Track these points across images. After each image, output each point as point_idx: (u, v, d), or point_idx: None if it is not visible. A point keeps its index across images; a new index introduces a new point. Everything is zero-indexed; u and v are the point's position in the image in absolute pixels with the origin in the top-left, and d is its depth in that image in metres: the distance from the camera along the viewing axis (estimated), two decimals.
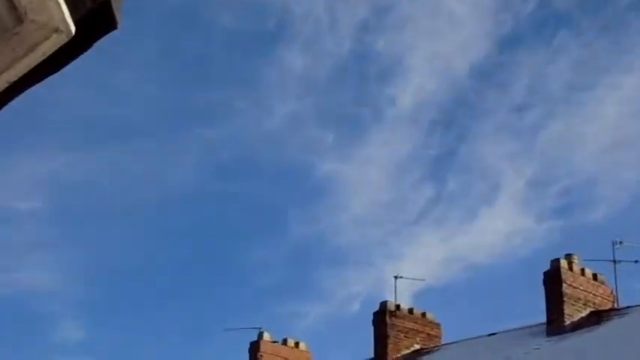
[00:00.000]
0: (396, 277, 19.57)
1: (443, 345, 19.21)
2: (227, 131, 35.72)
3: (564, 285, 16.77)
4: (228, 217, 36.16)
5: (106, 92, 34.19)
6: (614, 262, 17.79)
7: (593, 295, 17.19)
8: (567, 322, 16.57)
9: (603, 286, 17.43)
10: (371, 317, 19.48)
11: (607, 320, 16.57)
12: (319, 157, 35.54)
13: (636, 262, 17.82)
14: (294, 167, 35.81)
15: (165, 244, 36.19)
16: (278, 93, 35.81)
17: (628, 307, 17.00)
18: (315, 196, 37.27)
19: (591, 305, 16.98)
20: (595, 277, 17.44)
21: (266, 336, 20.42)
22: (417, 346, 19.08)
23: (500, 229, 34.35)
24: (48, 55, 3.26)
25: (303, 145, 35.83)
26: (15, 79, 3.28)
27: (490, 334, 18.35)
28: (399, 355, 18.86)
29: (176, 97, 36.10)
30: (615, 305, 17.36)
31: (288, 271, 36.03)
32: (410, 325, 19.14)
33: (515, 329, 17.90)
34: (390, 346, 18.70)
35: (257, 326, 20.35)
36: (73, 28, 3.23)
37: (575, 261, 17.20)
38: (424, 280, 20.85)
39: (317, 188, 36.36)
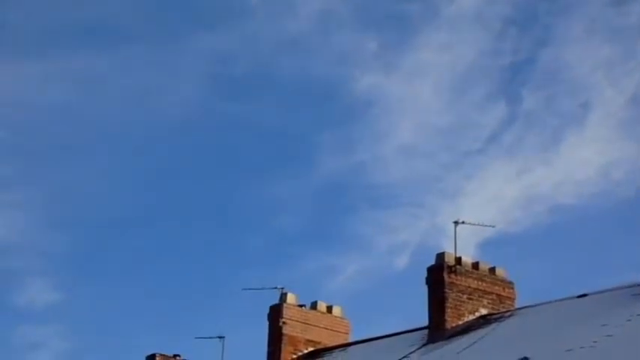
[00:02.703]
0: (456, 223, 18.86)
1: (517, 310, 18.39)
2: (237, 37, 33.32)
3: None
4: (238, 146, 33.91)
5: None
6: None
7: None
8: None
9: None
10: (424, 274, 18.67)
11: None
12: (356, 69, 33.27)
13: None
14: (324, 82, 33.68)
15: (161, 181, 33.93)
16: None
17: None
18: (351, 119, 35.03)
19: None
20: None
21: (290, 298, 20.00)
22: (483, 311, 18.41)
23: (593, 159, 32.05)
24: None
25: (335, 54, 33.58)
26: None
27: (580, 296, 17.46)
28: (460, 322, 18.12)
29: None
30: None
31: (316, 215, 33.88)
32: (475, 284, 18.49)
33: (613, 289, 16.95)
34: (448, 311, 18.13)
35: (278, 285, 20.10)
36: None
37: None
38: (493, 226, 19.91)
39: (353, 109, 34.19)
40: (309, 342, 20.02)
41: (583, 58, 31.57)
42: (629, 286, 16.55)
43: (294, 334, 19.84)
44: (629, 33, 31.78)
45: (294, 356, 19.82)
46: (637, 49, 31.41)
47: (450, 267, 18.26)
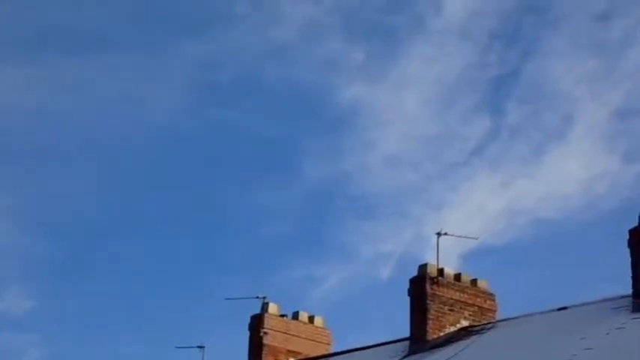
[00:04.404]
0: (439, 234, 18.94)
1: (498, 322, 18.47)
2: (224, 45, 33.63)
3: None
4: (224, 153, 34.19)
5: None
6: None
7: None
8: None
9: None
10: (406, 285, 18.72)
11: None
12: (343, 78, 33.63)
13: None
14: (311, 91, 33.96)
15: (145, 188, 34.11)
16: None
17: None
18: (337, 128, 35.34)
19: None
20: None
21: (272, 308, 20.01)
22: (464, 323, 18.50)
23: (576, 172, 32.44)
24: None
25: (322, 63, 33.90)
26: None
27: (560, 309, 17.62)
28: (441, 334, 18.22)
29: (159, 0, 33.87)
30: None
31: (300, 223, 34.15)
32: (456, 295, 18.54)
33: (593, 302, 17.17)
34: (430, 323, 18.19)
35: (260, 295, 20.11)
36: None
37: None
38: (476, 238, 19.94)
39: (339, 118, 34.50)
40: (290, 352, 20.04)
41: (567, 72, 32.05)
42: (609, 300, 16.75)
43: (276, 344, 19.86)
44: (613, 47, 32.28)
45: None
46: (620, 63, 31.90)
47: (432, 278, 18.32)
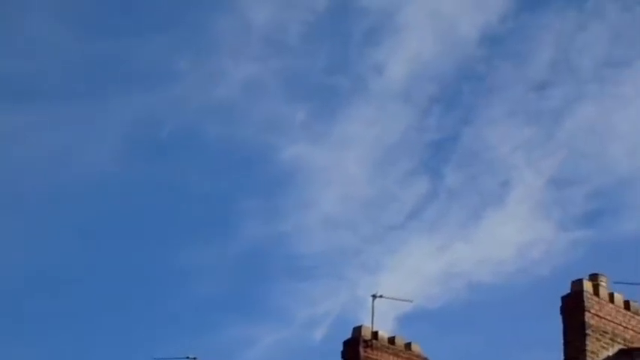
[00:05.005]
0: (374, 297, 18.99)
1: None
2: (164, 100, 33.72)
3: (587, 314, 16.13)
4: (160, 209, 34.09)
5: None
6: None
7: (624, 327, 16.63)
8: None
9: (637, 317, 16.86)
10: (340, 347, 18.57)
11: None
12: (283, 138, 33.84)
13: None
14: (251, 149, 34.13)
15: (76, 242, 33.76)
16: (233, 52, 33.93)
17: None
18: (275, 188, 35.50)
19: (620, 341, 16.48)
20: (627, 305, 16.73)
21: None
22: None
23: (512, 238, 32.89)
24: None
25: (263, 121, 34.12)
26: None
27: None
28: None
29: (98, 51, 33.86)
30: None
31: (235, 283, 34.12)
32: (390, 359, 18.36)
33: None
34: None
35: (191, 355, 19.75)
36: None
37: (603, 283, 16.71)
38: (411, 301, 20.01)
39: (278, 177, 34.70)
40: None
41: (504, 139, 32.60)
42: None
43: None
44: (549, 116, 32.96)
45: None
46: (556, 132, 32.58)
47: (366, 341, 18.14)
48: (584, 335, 16.01)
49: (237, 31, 33.66)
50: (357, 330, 18.36)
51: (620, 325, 16.48)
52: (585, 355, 15.87)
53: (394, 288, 26.79)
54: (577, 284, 16.32)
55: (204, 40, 34.25)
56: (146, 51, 33.98)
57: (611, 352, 16.16)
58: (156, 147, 34.53)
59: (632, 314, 16.69)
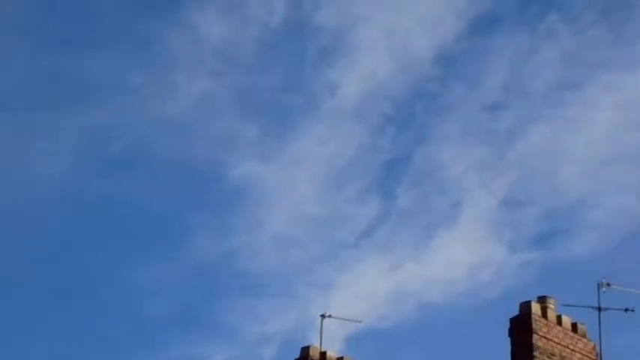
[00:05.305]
0: (323, 316, 18.76)
1: None
2: (117, 114, 33.45)
3: (535, 336, 16.16)
4: (110, 225, 33.81)
5: None
6: (599, 309, 17.38)
7: (571, 350, 16.62)
8: None
9: (584, 340, 16.88)
10: None
11: None
12: (235, 154, 33.70)
13: (626, 310, 17.42)
14: (204, 165, 33.96)
15: (23, 258, 33.31)
16: (187, 68, 33.81)
17: None
18: (227, 204, 35.25)
19: None
20: (574, 327, 16.79)
21: None
22: None
23: (463, 259, 32.89)
24: None
25: (215, 138, 33.98)
26: None
27: None
28: None
29: (50, 64, 33.58)
30: None
31: (185, 300, 33.83)
32: None
33: None
34: None
35: None
36: None
37: (551, 306, 16.68)
38: (360, 321, 19.73)
39: (230, 194, 34.50)
40: None
41: (457, 159, 32.65)
42: None
43: None
44: (502, 137, 33.06)
45: None
46: (507, 153, 32.72)
47: None
48: (532, 357, 15.99)
49: (192, 47, 33.58)
50: (306, 350, 18.19)
51: (568, 347, 16.49)
52: None
53: (345, 307, 26.75)
54: (525, 306, 16.33)
55: (159, 55, 34.12)
56: (99, 64, 33.76)
57: None
58: (108, 162, 34.26)
59: (579, 337, 16.72)
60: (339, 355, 18.37)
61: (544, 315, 16.36)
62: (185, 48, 33.76)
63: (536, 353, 16.04)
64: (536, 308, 16.32)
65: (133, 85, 33.36)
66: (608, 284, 17.43)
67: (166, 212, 33.40)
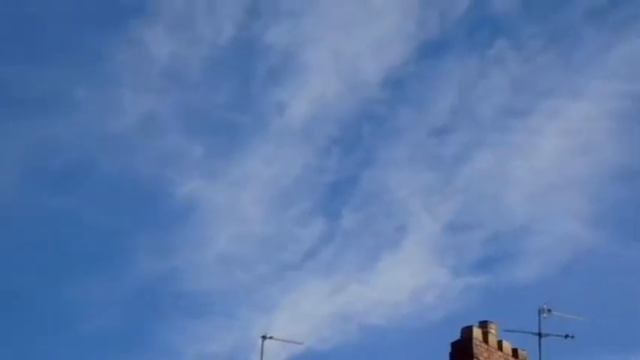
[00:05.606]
0: (264, 337, 18.65)
1: None
2: (59, 129, 32.98)
3: None
4: (50, 241, 33.34)
5: None
6: (540, 335, 17.40)
7: None
8: None
9: None
10: None
11: None
12: (180, 173, 33.33)
13: (566, 336, 17.39)
14: (147, 183, 33.55)
15: None
16: (133, 84, 33.51)
17: None
18: (170, 223, 34.69)
19: None
20: (515, 352, 16.77)
21: None
22: None
23: (406, 282, 32.72)
24: None
25: (160, 156, 33.64)
26: None
27: None
28: None
29: None
30: None
31: (124, 319, 33.31)
32: None
33: None
34: None
35: None
36: None
37: (492, 331, 16.54)
38: (301, 343, 19.41)
39: (173, 212, 34.01)
40: None
41: (403, 183, 32.54)
42: None
43: None
44: (448, 162, 33.01)
45: None
46: (453, 178, 32.74)
47: None
48: None
49: (138, 63, 33.20)
50: None
51: None
52: None
53: (287, 328, 26.62)
54: (467, 331, 16.28)
55: (104, 70, 33.66)
56: (42, 78, 33.26)
57: None
58: (50, 177, 33.79)
59: None
60: None
61: (485, 340, 16.32)
62: (132, 64, 33.41)
63: None
64: (477, 333, 16.27)
65: (77, 99, 32.96)
66: (549, 310, 17.47)
67: (108, 229, 32.92)
